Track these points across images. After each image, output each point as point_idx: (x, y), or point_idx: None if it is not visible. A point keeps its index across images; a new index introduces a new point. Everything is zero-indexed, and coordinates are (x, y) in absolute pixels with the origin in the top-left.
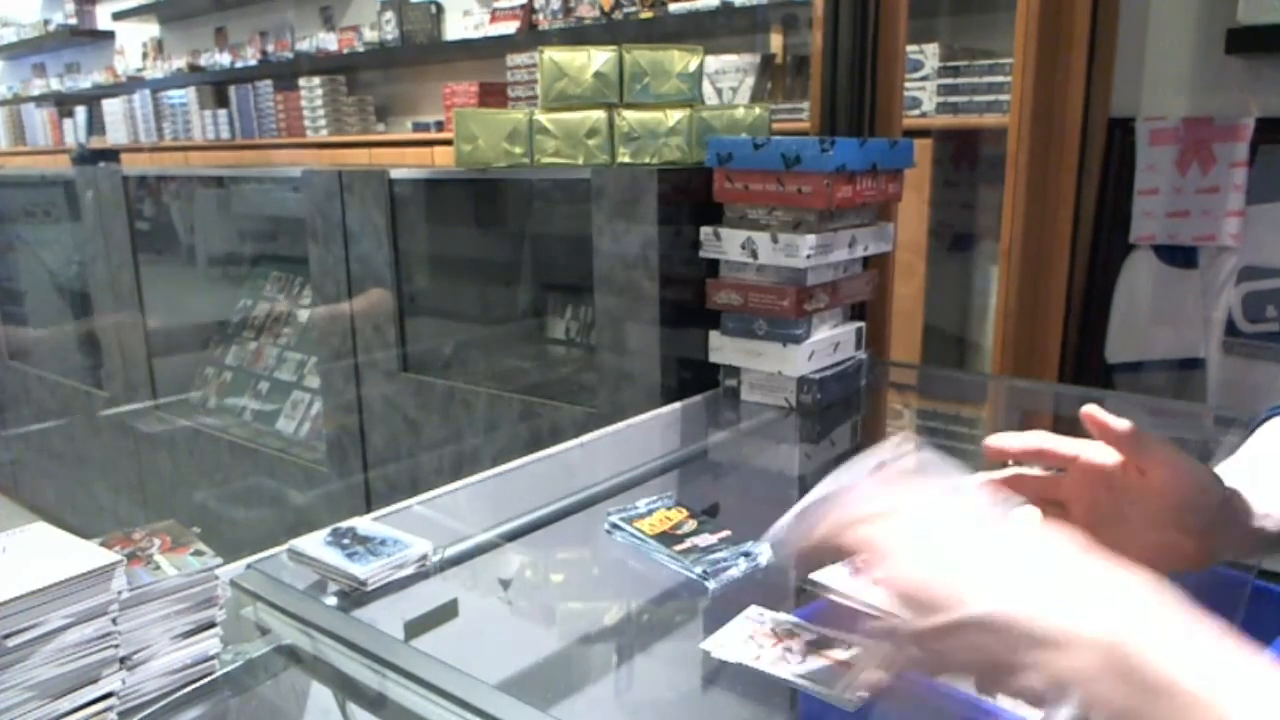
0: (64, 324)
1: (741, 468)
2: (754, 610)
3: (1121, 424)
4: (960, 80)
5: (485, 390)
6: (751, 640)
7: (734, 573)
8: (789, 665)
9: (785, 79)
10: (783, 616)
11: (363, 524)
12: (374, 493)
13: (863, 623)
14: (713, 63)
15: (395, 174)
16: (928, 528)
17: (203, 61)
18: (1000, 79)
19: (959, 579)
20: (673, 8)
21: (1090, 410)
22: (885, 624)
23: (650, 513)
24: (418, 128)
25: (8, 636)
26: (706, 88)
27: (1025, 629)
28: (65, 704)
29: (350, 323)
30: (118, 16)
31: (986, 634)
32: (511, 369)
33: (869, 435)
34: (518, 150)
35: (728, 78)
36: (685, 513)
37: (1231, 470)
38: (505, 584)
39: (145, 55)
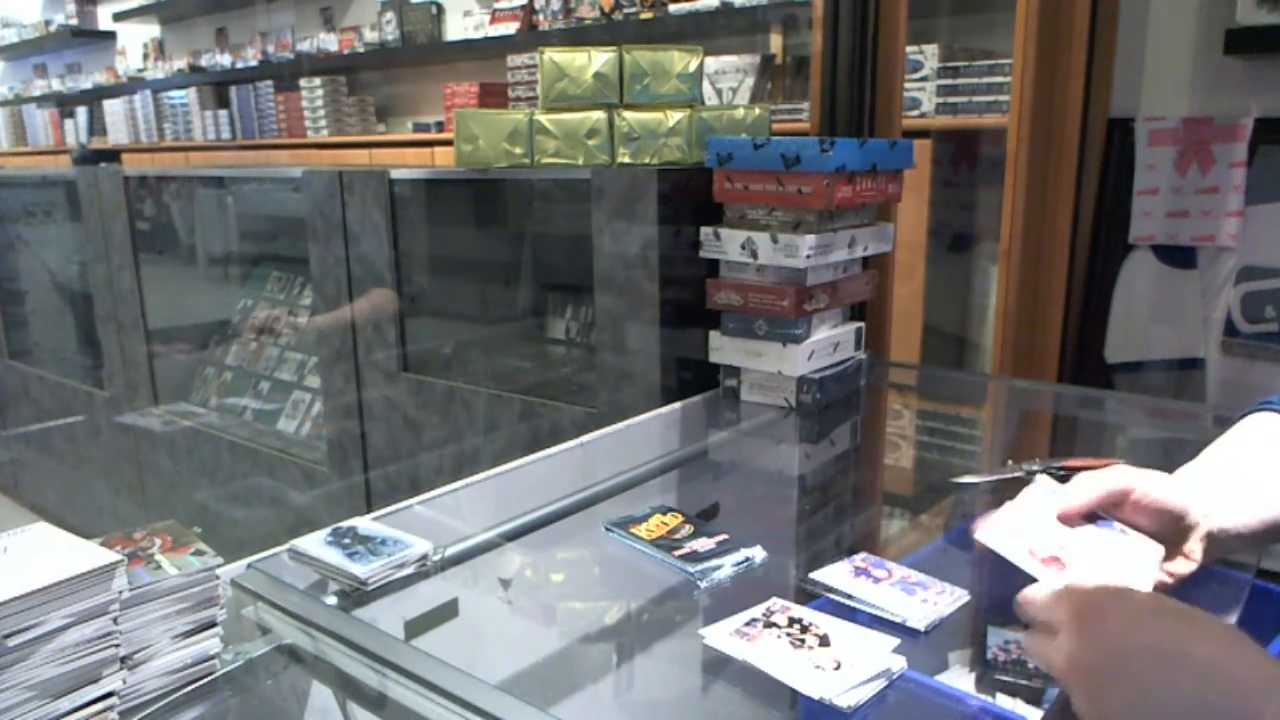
0: (64, 324)
1: (741, 468)
2: (775, 602)
3: (1080, 503)
4: (960, 81)
5: (485, 390)
6: (748, 635)
7: (731, 575)
8: (784, 663)
9: (785, 79)
10: (798, 609)
11: (363, 524)
12: (374, 493)
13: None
14: (713, 63)
15: (395, 174)
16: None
17: (203, 62)
18: (1000, 79)
19: None
20: (673, 8)
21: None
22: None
23: (646, 518)
24: (418, 128)
25: (8, 636)
26: (706, 88)
27: None
28: (66, 703)
29: (351, 323)
30: (119, 17)
31: None
32: (511, 369)
33: (869, 435)
34: (518, 150)
35: (728, 78)
36: (681, 517)
37: (1187, 471)
38: (505, 584)
39: (146, 56)
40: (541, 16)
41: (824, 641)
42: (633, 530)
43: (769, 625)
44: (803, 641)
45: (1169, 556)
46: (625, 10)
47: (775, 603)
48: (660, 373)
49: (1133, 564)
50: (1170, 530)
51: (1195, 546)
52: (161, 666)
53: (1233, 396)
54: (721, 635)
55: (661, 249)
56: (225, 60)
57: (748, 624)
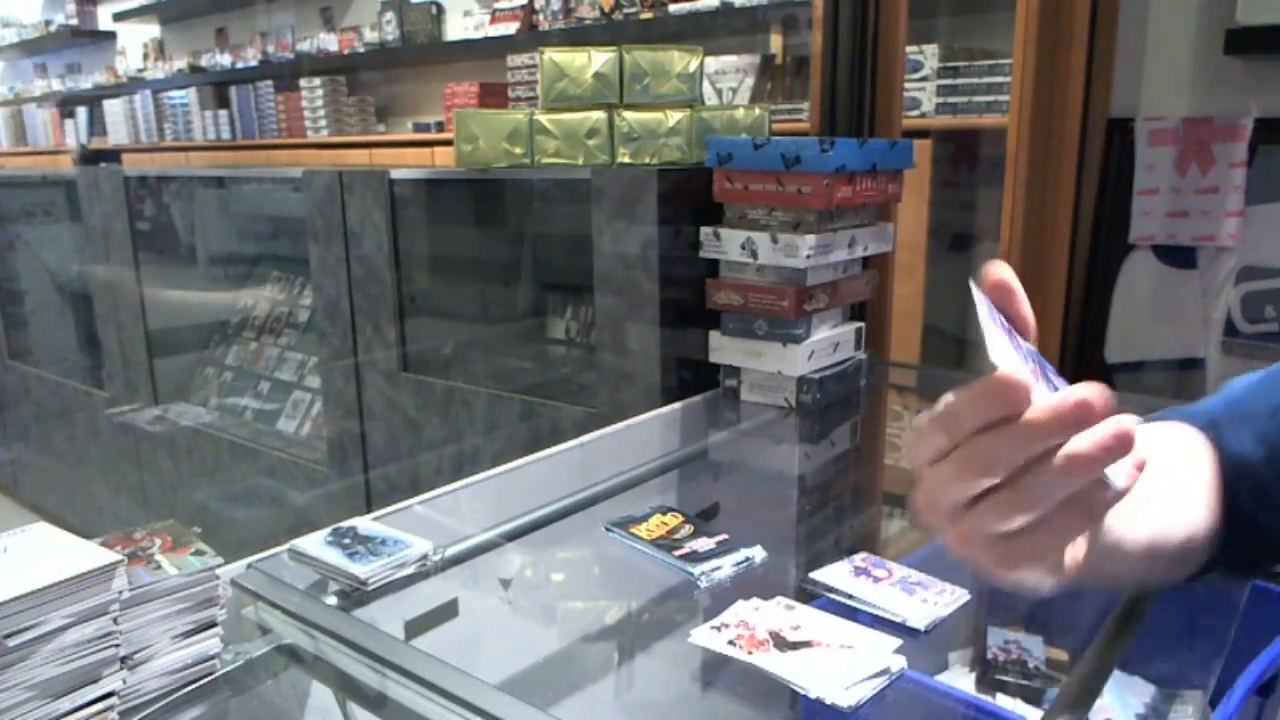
0: (64, 324)
1: (741, 468)
2: (754, 600)
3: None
4: (960, 81)
5: (485, 390)
6: (737, 636)
7: (731, 575)
8: (783, 661)
9: (785, 79)
10: (780, 604)
11: (363, 524)
12: (374, 493)
13: None
14: (713, 63)
15: (396, 174)
16: None
17: (204, 62)
18: (1000, 79)
19: None
20: (673, 8)
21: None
22: None
23: (646, 518)
24: (418, 128)
25: (9, 636)
26: (706, 88)
27: None
28: (66, 704)
29: (351, 322)
30: (119, 17)
31: None
32: (511, 369)
33: (869, 435)
34: (518, 150)
35: (728, 78)
36: (681, 517)
37: None
38: (505, 584)
39: (146, 56)
40: (541, 16)
41: (820, 636)
42: (633, 530)
43: (765, 615)
44: (798, 636)
45: None
46: (625, 10)
47: (754, 600)
48: (660, 373)
49: None
50: None
51: None
52: (161, 666)
53: None
54: (710, 625)
55: (661, 249)
56: (225, 60)
57: (732, 625)
